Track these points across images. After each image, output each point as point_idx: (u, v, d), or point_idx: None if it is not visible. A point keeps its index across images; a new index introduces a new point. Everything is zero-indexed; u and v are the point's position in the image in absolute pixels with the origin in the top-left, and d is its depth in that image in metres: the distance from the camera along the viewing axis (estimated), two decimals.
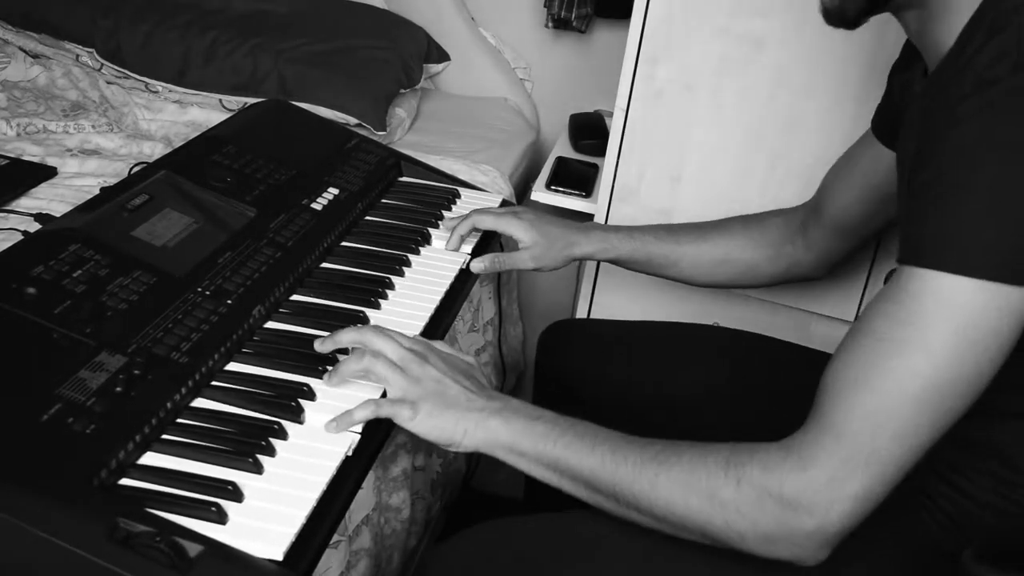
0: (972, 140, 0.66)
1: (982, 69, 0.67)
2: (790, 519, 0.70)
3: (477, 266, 1.13)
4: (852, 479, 0.69)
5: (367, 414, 0.81)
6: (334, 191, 1.18)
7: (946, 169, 0.68)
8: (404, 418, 0.82)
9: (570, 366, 1.25)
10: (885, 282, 0.74)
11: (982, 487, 0.81)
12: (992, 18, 0.68)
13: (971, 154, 0.66)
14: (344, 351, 0.88)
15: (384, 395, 0.86)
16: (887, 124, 1.01)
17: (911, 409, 0.68)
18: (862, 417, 0.69)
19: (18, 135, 1.41)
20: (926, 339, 0.67)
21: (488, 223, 1.15)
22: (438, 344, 0.92)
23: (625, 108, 1.35)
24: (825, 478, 0.69)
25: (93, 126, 1.48)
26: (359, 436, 0.81)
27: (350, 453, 0.80)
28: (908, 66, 0.94)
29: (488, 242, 1.20)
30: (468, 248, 1.17)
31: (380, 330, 0.87)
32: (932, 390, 0.68)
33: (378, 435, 0.84)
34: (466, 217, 1.15)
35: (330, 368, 0.87)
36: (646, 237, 1.17)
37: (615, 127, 1.37)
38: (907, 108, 0.87)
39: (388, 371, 0.83)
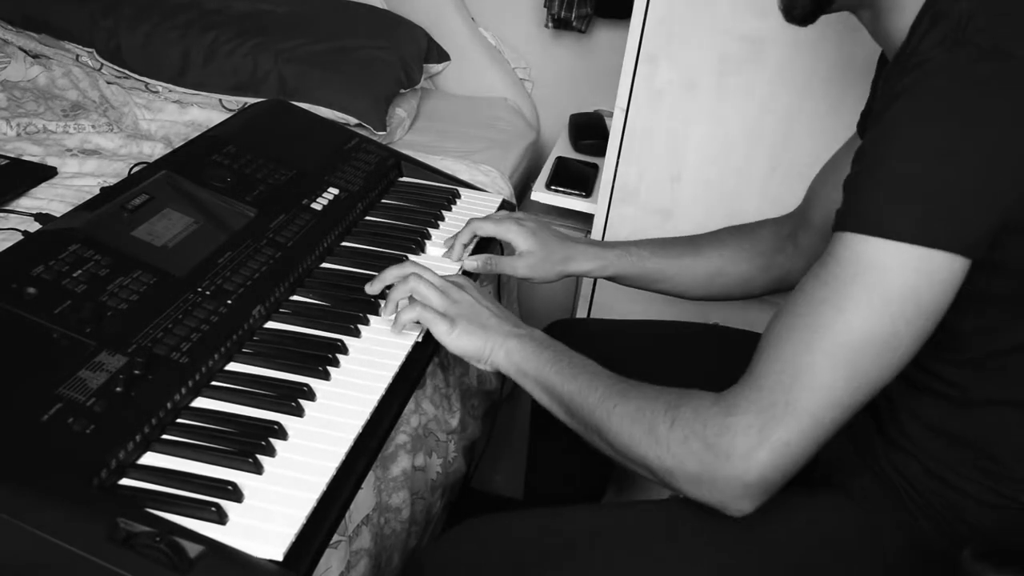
0: (898, 111, 0.69)
1: (921, 53, 0.70)
2: (711, 462, 0.74)
3: (471, 263, 1.12)
4: (769, 428, 0.72)
5: (414, 315, 0.92)
6: (334, 191, 1.18)
7: (875, 140, 0.71)
8: (442, 331, 0.92)
9: None
10: None
11: (968, 480, 0.81)
12: (935, 10, 0.71)
13: (896, 123, 0.69)
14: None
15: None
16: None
17: (824, 364, 0.71)
18: (779, 370, 0.73)
19: (18, 135, 1.41)
20: (840, 298, 0.70)
21: (488, 229, 1.14)
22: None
23: (625, 108, 1.35)
24: (744, 425, 0.73)
25: (93, 126, 1.48)
26: (356, 437, 0.81)
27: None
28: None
29: (485, 247, 1.18)
30: (466, 253, 1.15)
31: (420, 266, 0.98)
32: (844, 346, 0.70)
33: (378, 433, 0.84)
34: (466, 225, 1.14)
35: (337, 358, 0.87)
36: (641, 252, 1.17)
37: (615, 127, 1.37)
38: None
39: (430, 291, 0.95)
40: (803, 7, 0.83)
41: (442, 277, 0.98)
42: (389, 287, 0.98)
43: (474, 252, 1.16)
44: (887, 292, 0.69)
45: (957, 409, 0.80)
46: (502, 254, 1.18)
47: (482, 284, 1.48)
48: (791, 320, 0.74)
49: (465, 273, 1.13)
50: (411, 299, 0.95)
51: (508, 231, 1.13)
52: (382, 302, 0.98)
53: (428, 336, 0.99)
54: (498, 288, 1.56)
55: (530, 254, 1.13)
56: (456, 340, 0.92)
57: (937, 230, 0.68)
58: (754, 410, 0.73)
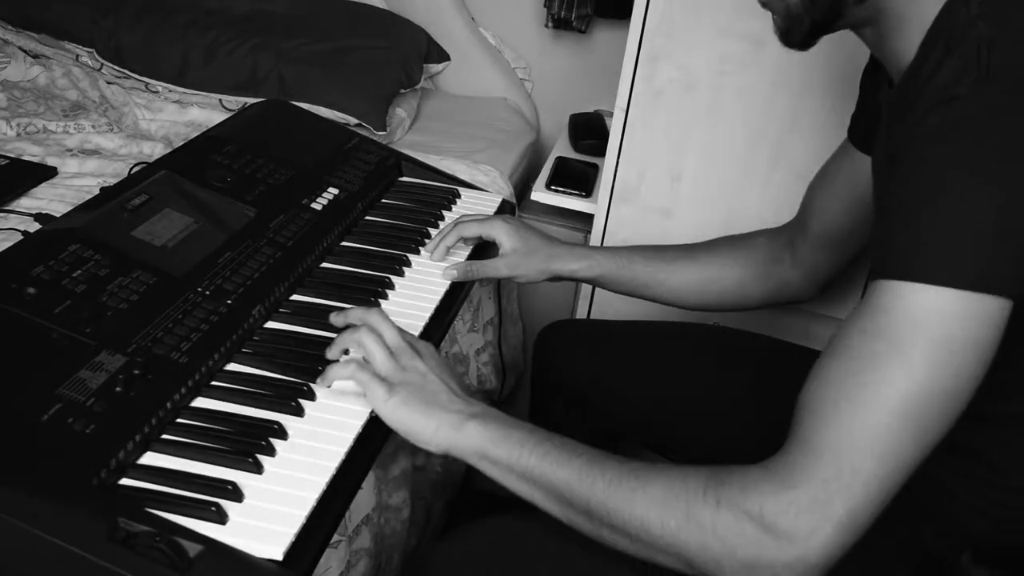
0: (938, 155, 0.66)
1: (944, 85, 0.67)
2: (770, 546, 0.67)
3: (449, 273, 1.08)
4: (835, 501, 0.66)
5: (346, 373, 0.81)
6: (334, 191, 1.18)
7: (914, 184, 0.67)
8: (377, 396, 0.80)
9: (567, 366, 1.25)
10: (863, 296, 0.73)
11: (967, 490, 0.81)
12: (948, 34, 0.69)
13: (938, 168, 0.66)
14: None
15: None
16: (863, 130, 1.01)
17: (893, 425, 0.66)
18: (842, 435, 0.66)
19: (18, 135, 1.41)
20: (903, 352, 0.66)
21: (472, 229, 1.11)
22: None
23: (625, 108, 1.35)
24: (807, 500, 0.66)
25: (93, 126, 1.48)
26: (356, 437, 0.81)
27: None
28: (876, 71, 0.93)
29: (485, 249, 1.17)
30: (465, 255, 1.14)
31: (385, 317, 0.88)
32: (912, 404, 0.66)
33: (378, 434, 0.84)
34: (452, 227, 1.12)
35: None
36: (632, 256, 1.15)
37: (615, 127, 1.37)
38: (877, 117, 0.87)
39: (375, 347, 0.83)
40: (803, 32, 0.80)
41: (403, 338, 0.86)
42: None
43: (471, 256, 1.14)
44: (951, 343, 0.65)
45: (961, 421, 0.80)
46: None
47: (481, 284, 1.48)
48: (846, 379, 0.68)
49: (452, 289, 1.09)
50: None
51: (492, 228, 1.11)
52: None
53: (429, 332, 0.99)
54: (498, 290, 1.56)
55: (512, 252, 1.11)
56: (391, 411, 0.80)
57: (995, 276, 0.65)
58: (816, 483, 0.66)
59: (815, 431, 0.68)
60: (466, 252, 1.15)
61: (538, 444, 0.77)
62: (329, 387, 0.84)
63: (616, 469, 0.74)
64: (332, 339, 0.92)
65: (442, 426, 0.80)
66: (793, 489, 0.67)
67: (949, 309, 0.65)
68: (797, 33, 0.80)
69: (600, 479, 0.74)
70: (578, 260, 1.14)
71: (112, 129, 1.49)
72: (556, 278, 1.15)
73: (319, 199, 1.15)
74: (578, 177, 1.62)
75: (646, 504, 0.71)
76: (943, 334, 0.65)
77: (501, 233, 1.11)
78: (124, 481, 0.71)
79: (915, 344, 0.65)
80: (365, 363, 0.84)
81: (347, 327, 0.88)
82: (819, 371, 0.70)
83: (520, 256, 1.11)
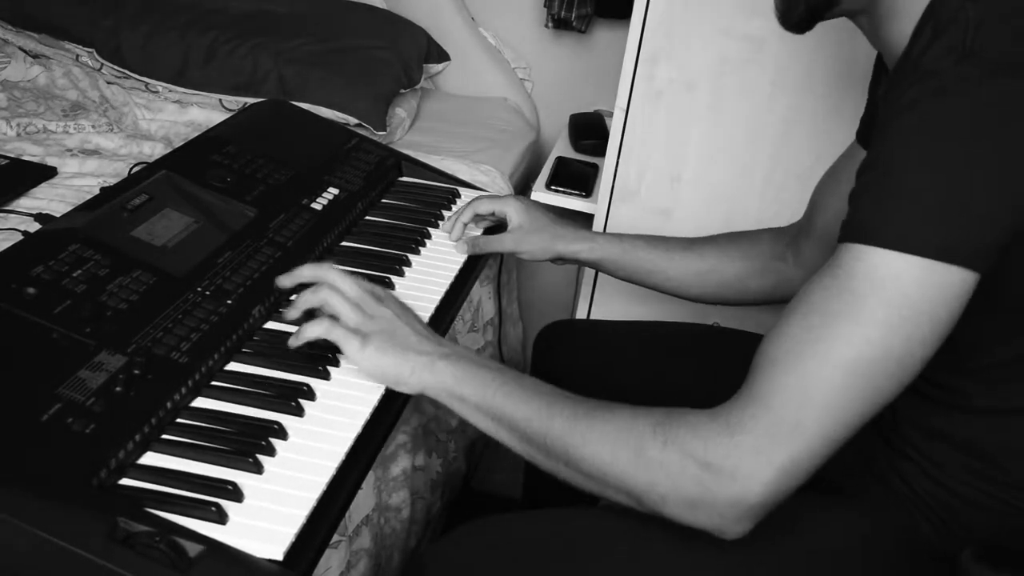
0: (911, 124, 0.68)
1: (927, 63, 0.68)
2: (712, 484, 0.70)
3: (461, 247, 1.15)
4: (777, 448, 0.69)
5: (319, 331, 0.84)
6: (334, 191, 1.18)
7: (886, 152, 0.69)
8: (352, 348, 0.83)
9: (566, 367, 1.25)
10: None
11: (966, 484, 0.81)
12: (937, 18, 0.70)
13: (910, 137, 0.68)
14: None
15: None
16: (868, 130, 1.01)
17: (840, 381, 0.68)
18: (791, 387, 0.69)
19: (18, 135, 1.41)
20: (858, 312, 0.68)
21: (484, 206, 1.17)
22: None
23: (625, 108, 1.35)
24: (750, 445, 0.69)
25: (93, 126, 1.48)
26: (356, 437, 0.81)
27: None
28: (884, 71, 0.95)
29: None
30: (463, 257, 1.16)
31: (339, 269, 0.89)
32: (862, 363, 0.68)
33: (378, 433, 0.84)
34: (467, 205, 1.17)
35: (337, 358, 0.88)
36: (635, 242, 1.17)
37: (615, 127, 1.37)
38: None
39: (342, 304, 0.86)
40: (799, 14, 0.82)
41: (361, 286, 0.88)
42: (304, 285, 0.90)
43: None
44: (907, 307, 0.67)
45: (961, 417, 0.80)
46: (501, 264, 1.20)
47: (482, 284, 1.48)
48: (801, 333, 0.70)
49: (467, 273, 1.13)
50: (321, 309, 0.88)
51: (504, 204, 1.17)
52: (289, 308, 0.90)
53: None
54: (498, 290, 1.56)
55: (519, 228, 1.15)
56: (368, 359, 0.83)
57: (957, 246, 0.66)
58: (761, 430, 0.69)
59: (766, 382, 0.70)
60: (480, 231, 1.20)
61: (503, 384, 0.81)
62: (299, 345, 0.85)
63: (573, 408, 0.78)
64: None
65: (416, 367, 0.83)
66: (739, 435, 0.69)
67: (909, 275, 0.66)
68: (794, 15, 0.83)
69: (558, 417, 0.78)
70: (581, 241, 1.17)
71: (112, 129, 1.49)
72: (559, 258, 1.18)
73: (319, 199, 1.15)
74: (578, 177, 1.62)
75: (599, 441, 0.75)
76: (901, 299, 0.67)
77: (511, 209, 1.16)
78: (124, 481, 0.71)
79: (872, 306, 0.67)
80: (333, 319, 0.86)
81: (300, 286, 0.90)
82: (778, 326, 0.73)
83: (526, 232, 1.15)
